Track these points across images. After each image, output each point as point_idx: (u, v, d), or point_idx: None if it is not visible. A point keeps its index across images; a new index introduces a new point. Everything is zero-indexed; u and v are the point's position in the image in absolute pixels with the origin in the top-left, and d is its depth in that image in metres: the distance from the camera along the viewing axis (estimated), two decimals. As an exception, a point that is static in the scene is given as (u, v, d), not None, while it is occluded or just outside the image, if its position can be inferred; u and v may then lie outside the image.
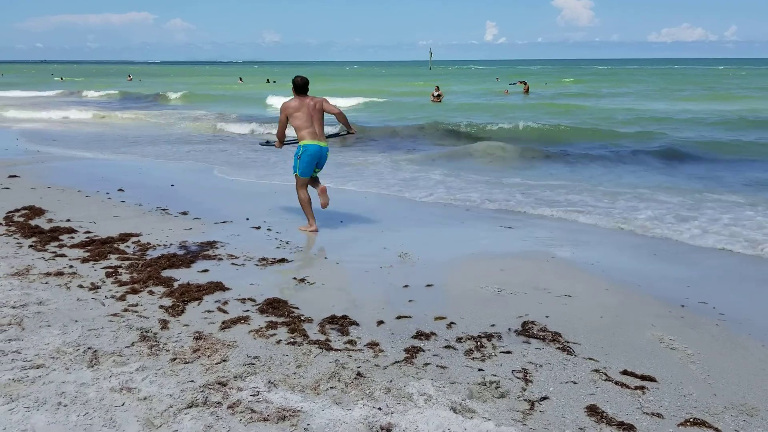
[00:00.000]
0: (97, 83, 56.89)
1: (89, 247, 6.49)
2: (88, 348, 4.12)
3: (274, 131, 8.40)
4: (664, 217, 8.54)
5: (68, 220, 7.63)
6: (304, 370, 3.88)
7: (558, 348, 4.29)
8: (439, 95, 30.61)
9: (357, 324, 4.64)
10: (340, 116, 7.31)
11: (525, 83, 40.31)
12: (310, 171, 7.40)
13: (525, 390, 3.70)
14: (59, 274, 5.65)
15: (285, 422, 3.30)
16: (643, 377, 3.90)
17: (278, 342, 4.29)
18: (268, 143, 8.42)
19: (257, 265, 6.09)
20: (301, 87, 7.33)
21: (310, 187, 7.56)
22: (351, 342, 4.32)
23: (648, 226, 8.02)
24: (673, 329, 4.68)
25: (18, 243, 6.63)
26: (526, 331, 4.56)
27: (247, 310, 4.88)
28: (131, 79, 59.05)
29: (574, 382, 3.82)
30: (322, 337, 4.39)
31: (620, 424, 3.35)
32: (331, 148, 7.74)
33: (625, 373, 3.95)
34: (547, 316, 4.85)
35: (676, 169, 13.42)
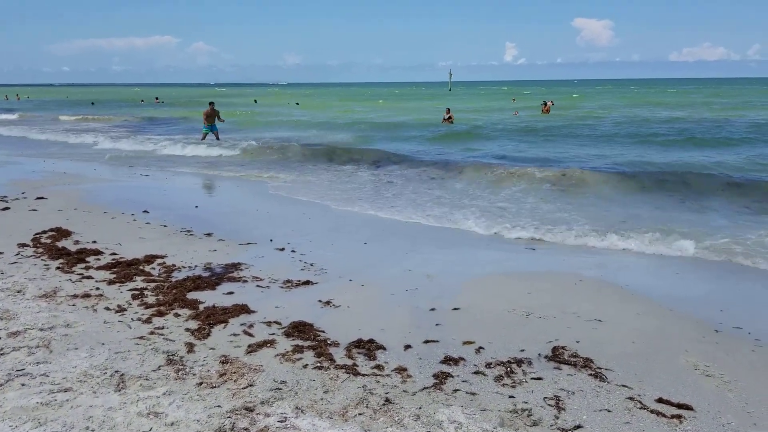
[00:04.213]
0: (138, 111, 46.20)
1: (115, 269, 6.52)
2: (115, 371, 4.10)
3: None
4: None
5: (94, 242, 7.68)
6: (331, 396, 3.82)
7: (590, 374, 4.19)
8: (450, 117, 31.39)
9: (384, 348, 4.58)
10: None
11: (545, 103, 40.26)
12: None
13: (558, 418, 3.61)
14: (86, 296, 5.67)
15: (313, 450, 3.24)
16: (679, 405, 3.79)
17: (305, 366, 4.24)
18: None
19: (282, 287, 6.06)
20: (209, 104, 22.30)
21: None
22: (378, 367, 4.26)
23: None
24: (708, 355, 4.56)
25: (45, 265, 6.68)
26: (556, 356, 4.46)
27: (273, 334, 4.84)
28: (159, 101, 64.33)
29: (609, 410, 3.72)
30: (349, 362, 4.33)
31: (658, 455, 3.25)
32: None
33: (660, 401, 3.85)
34: (577, 341, 4.75)
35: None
